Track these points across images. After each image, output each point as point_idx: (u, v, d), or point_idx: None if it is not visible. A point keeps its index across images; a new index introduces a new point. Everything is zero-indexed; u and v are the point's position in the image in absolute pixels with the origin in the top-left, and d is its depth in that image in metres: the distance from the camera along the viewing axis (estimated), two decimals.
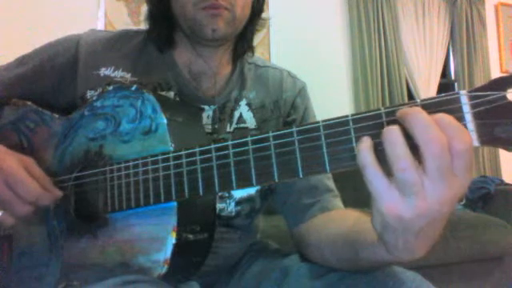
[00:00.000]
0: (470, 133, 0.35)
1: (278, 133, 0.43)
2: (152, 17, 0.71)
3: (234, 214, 0.71)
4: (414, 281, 0.53)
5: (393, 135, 0.35)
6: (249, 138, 0.44)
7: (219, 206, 0.70)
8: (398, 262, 0.43)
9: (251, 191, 0.72)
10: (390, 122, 0.37)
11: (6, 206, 0.56)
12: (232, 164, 0.45)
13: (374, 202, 0.38)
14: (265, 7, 0.77)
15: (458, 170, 0.34)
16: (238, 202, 0.71)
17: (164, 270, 0.50)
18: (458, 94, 0.36)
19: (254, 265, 0.74)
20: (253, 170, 0.44)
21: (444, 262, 1.74)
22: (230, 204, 0.71)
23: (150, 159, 0.52)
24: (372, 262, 0.48)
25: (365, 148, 0.37)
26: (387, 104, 2.88)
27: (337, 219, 0.64)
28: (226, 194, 0.70)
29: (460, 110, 0.35)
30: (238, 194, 0.71)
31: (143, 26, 0.74)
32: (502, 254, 1.91)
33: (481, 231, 1.87)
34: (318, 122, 0.41)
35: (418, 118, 0.35)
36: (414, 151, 0.35)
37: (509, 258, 1.91)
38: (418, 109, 0.35)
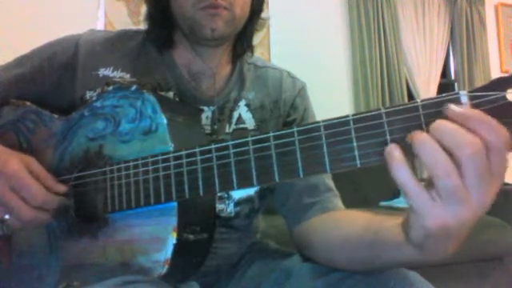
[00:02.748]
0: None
1: (279, 133, 0.43)
2: (151, 17, 0.71)
3: (233, 214, 0.71)
4: (415, 281, 0.53)
5: (428, 145, 0.35)
6: (249, 138, 0.44)
7: (218, 206, 0.70)
8: (429, 261, 0.43)
9: (250, 192, 0.72)
10: (390, 122, 0.37)
11: (12, 210, 0.56)
12: (233, 164, 0.45)
13: (416, 217, 0.37)
14: (264, 7, 0.76)
15: (497, 169, 0.34)
16: (237, 203, 0.71)
17: (164, 270, 0.50)
18: (458, 94, 0.36)
19: (253, 265, 0.74)
20: (253, 170, 0.44)
21: (444, 262, 1.74)
22: (229, 205, 0.71)
23: (150, 159, 0.52)
24: (397, 262, 0.48)
25: (398, 162, 0.36)
26: (387, 104, 2.88)
27: (345, 220, 0.63)
28: (225, 195, 0.70)
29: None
30: (237, 194, 0.71)
31: (143, 26, 0.74)
32: (502, 254, 1.91)
33: (480, 231, 1.86)
34: (318, 122, 0.41)
35: (443, 127, 0.34)
36: None
37: (509, 258, 1.91)
38: (442, 121, 0.35)
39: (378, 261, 0.50)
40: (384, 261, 0.49)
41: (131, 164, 0.54)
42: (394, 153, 0.36)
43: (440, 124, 0.35)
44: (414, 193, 0.36)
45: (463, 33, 3.22)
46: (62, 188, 0.59)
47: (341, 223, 0.63)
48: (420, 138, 0.35)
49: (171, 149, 0.52)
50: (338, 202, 0.72)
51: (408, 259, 0.45)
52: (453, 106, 0.35)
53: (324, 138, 0.40)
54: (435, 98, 0.36)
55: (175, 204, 0.51)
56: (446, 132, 0.34)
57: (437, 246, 0.39)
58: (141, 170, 0.53)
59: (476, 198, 0.34)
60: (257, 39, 0.80)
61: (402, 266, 0.53)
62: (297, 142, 0.41)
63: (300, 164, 0.41)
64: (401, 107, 0.37)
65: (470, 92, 0.36)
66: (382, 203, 2.32)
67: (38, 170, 0.58)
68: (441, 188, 0.35)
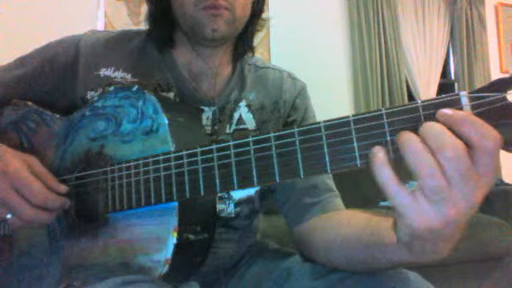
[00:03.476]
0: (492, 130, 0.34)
1: (280, 133, 0.43)
2: (152, 17, 0.71)
3: (233, 214, 0.71)
4: (415, 281, 0.53)
5: (412, 144, 0.35)
6: (250, 139, 0.45)
7: (219, 206, 0.70)
8: (421, 262, 0.43)
9: (250, 192, 0.72)
10: (390, 123, 0.37)
11: (13, 210, 0.56)
12: (233, 164, 0.45)
13: (399, 217, 0.38)
14: (265, 7, 0.77)
15: (484, 169, 0.34)
16: (238, 203, 0.71)
17: (165, 269, 0.50)
18: (458, 94, 0.36)
19: (254, 265, 0.74)
20: (254, 170, 0.44)
21: (444, 262, 1.74)
22: (229, 205, 0.71)
23: (151, 159, 0.52)
24: (390, 263, 0.48)
25: (380, 163, 0.36)
26: (387, 104, 2.88)
27: (343, 220, 0.64)
28: (226, 195, 0.70)
29: (461, 110, 0.36)
30: (237, 195, 0.71)
31: (143, 26, 0.74)
32: (502, 254, 1.91)
33: (480, 231, 1.87)
34: (319, 123, 0.41)
35: (429, 128, 0.35)
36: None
37: (509, 258, 1.91)
38: (431, 122, 0.35)
39: (374, 261, 0.51)
40: (379, 261, 0.49)
41: (132, 164, 0.54)
42: (379, 154, 0.37)
43: (426, 125, 0.35)
44: (394, 192, 0.36)
45: (463, 33, 3.22)
46: (62, 188, 0.59)
47: (340, 224, 0.63)
48: (404, 138, 0.36)
49: (172, 149, 0.52)
50: (339, 203, 0.72)
51: (400, 260, 0.45)
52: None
53: (324, 139, 0.40)
54: (436, 99, 0.37)
55: (176, 204, 0.51)
56: (431, 133, 0.35)
57: (425, 246, 0.39)
58: (141, 169, 0.53)
59: (461, 198, 0.34)
60: (257, 39, 0.80)
61: (397, 267, 0.53)
62: (297, 143, 0.41)
63: (300, 164, 0.41)
64: (401, 108, 0.37)
65: (470, 93, 0.36)
66: (382, 203, 2.32)
67: (40, 169, 0.58)
68: (424, 188, 0.35)
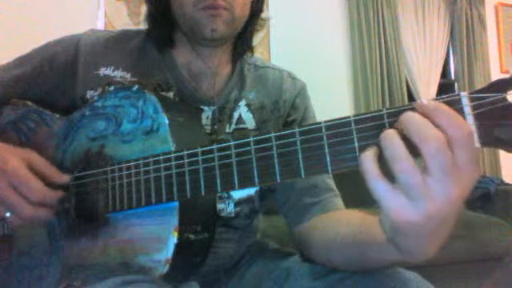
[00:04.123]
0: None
1: (280, 133, 0.43)
2: (151, 17, 0.71)
3: (233, 214, 0.71)
4: (415, 281, 0.53)
5: (389, 138, 0.35)
6: (251, 139, 0.45)
7: (219, 206, 0.70)
8: (410, 261, 0.43)
9: (250, 192, 0.72)
10: (391, 123, 0.37)
11: (12, 208, 0.56)
12: (234, 164, 0.45)
13: (381, 209, 0.38)
14: (264, 7, 0.77)
15: (463, 163, 0.34)
16: (237, 203, 0.71)
17: (165, 269, 0.50)
18: (458, 95, 0.36)
19: (254, 265, 0.74)
20: (255, 170, 0.44)
21: (443, 262, 1.75)
22: (229, 205, 0.71)
23: (151, 159, 0.52)
24: (383, 261, 0.48)
25: (365, 155, 0.37)
26: (387, 104, 2.88)
27: (343, 219, 0.64)
28: (225, 195, 0.70)
29: (461, 111, 0.36)
30: (237, 194, 0.71)
31: (143, 26, 0.74)
32: (502, 254, 1.91)
33: (480, 231, 1.87)
34: (319, 123, 0.41)
35: (410, 118, 0.35)
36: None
37: (509, 257, 1.91)
38: (411, 112, 0.36)
39: (369, 260, 0.51)
40: (374, 260, 0.49)
41: (132, 164, 0.54)
42: (370, 149, 0.37)
43: (405, 117, 0.35)
44: (374, 184, 0.36)
45: (463, 33, 3.21)
46: (65, 178, 0.59)
47: (340, 223, 0.63)
48: (385, 133, 0.36)
49: (172, 149, 0.52)
50: (339, 202, 0.72)
51: (392, 258, 0.45)
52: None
53: (325, 139, 0.40)
54: (436, 99, 0.37)
55: (176, 204, 0.51)
56: (412, 124, 0.35)
57: (407, 243, 0.39)
58: (142, 169, 0.53)
59: (441, 192, 0.34)
60: (257, 39, 0.80)
61: (391, 266, 0.53)
62: (298, 143, 0.41)
63: (301, 164, 0.41)
64: (402, 108, 0.37)
65: (470, 93, 0.36)
66: None
67: (40, 163, 0.58)
68: (402, 183, 0.35)
